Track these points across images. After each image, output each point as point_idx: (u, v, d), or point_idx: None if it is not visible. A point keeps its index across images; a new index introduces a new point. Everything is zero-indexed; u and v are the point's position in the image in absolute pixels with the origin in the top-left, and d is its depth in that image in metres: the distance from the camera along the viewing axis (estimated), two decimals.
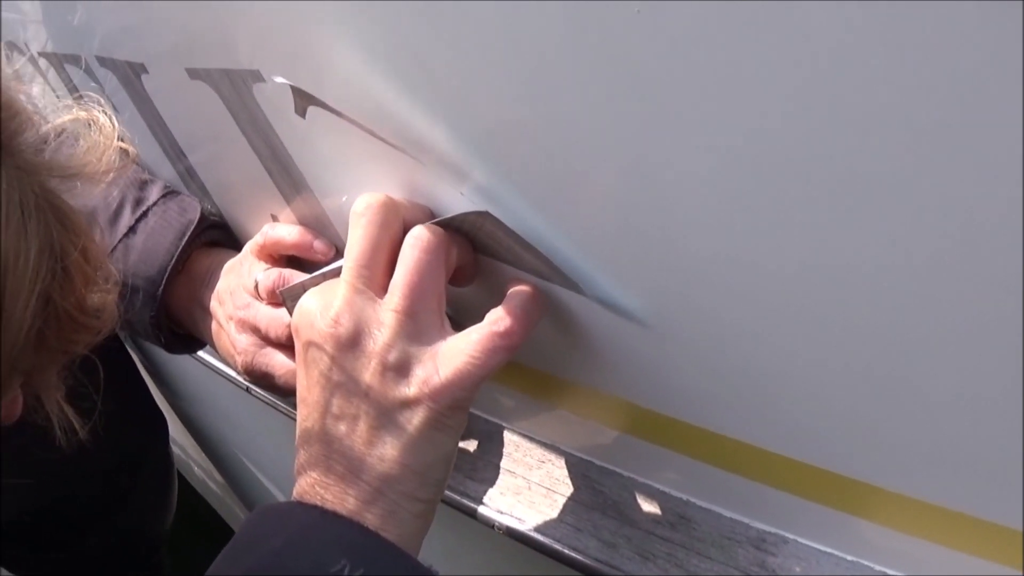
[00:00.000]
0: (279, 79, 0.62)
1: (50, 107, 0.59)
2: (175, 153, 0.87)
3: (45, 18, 0.91)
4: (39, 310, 0.53)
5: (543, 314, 0.61)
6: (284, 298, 0.70)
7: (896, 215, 0.42)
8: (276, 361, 0.78)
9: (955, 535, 0.55)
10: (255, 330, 0.79)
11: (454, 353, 0.58)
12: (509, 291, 0.61)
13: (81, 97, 0.62)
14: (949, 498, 0.54)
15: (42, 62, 0.97)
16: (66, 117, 0.59)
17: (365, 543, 0.58)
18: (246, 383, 0.97)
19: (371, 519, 0.59)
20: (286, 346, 0.77)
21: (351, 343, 0.59)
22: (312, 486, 0.61)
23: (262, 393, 0.96)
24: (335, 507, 0.60)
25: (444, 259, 0.60)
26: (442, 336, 0.60)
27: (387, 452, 0.59)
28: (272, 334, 0.78)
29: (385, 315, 0.59)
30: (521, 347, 0.59)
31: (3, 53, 0.61)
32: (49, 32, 0.91)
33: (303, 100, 0.62)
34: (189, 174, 0.88)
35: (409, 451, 0.59)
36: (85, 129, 0.60)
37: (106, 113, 0.61)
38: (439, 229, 0.60)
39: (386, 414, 0.59)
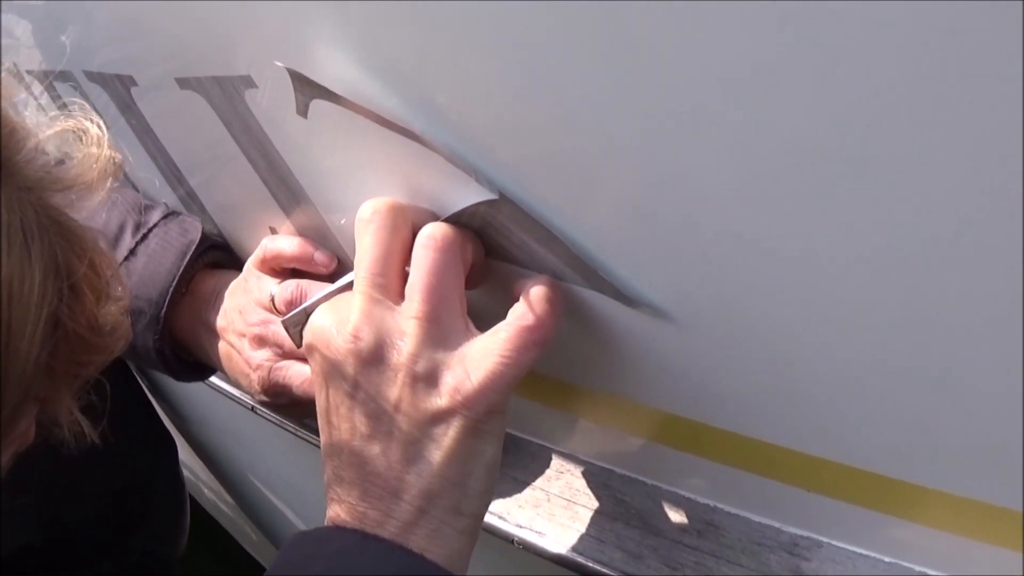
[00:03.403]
0: (280, 64, 0.60)
1: (39, 120, 0.57)
2: (173, 174, 0.85)
3: (32, 36, 0.90)
4: (48, 335, 0.51)
5: (564, 308, 0.58)
6: (287, 327, 0.68)
7: (935, 197, 0.40)
8: (293, 372, 0.76)
9: (997, 531, 0.53)
10: (273, 344, 0.77)
11: (483, 355, 0.56)
12: (527, 286, 0.58)
13: (66, 106, 0.61)
14: (990, 493, 0.52)
15: (28, 79, 0.95)
16: (56, 128, 0.57)
17: (410, 566, 0.56)
18: (251, 403, 0.95)
19: (415, 540, 0.57)
20: (304, 357, 0.75)
21: (374, 358, 0.57)
22: (349, 511, 0.58)
23: (268, 413, 0.94)
24: (376, 530, 0.57)
25: (460, 256, 0.58)
26: (468, 338, 0.57)
27: (425, 468, 0.57)
28: (288, 346, 0.75)
29: (406, 323, 0.57)
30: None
31: None
32: (37, 50, 0.90)
33: (306, 95, 0.60)
34: (190, 197, 0.87)
35: (448, 464, 0.57)
36: (76, 139, 0.58)
37: (93, 120, 0.59)
38: (451, 226, 0.58)
39: (420, 428, 0.57)
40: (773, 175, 0.44)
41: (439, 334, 0.57)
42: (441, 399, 0.56)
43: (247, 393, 0.82)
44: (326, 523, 0.60)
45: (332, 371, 0.58)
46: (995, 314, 0.43)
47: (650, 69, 0.43)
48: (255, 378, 0.78)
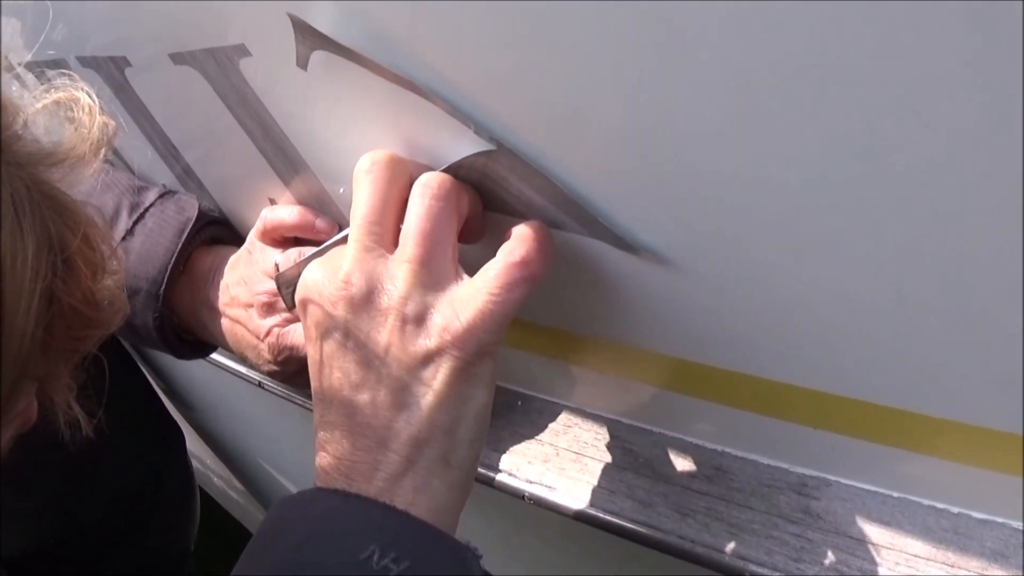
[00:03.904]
0: (286, 12, 0.60)
1: (27, 94, 0.57)
2: (170, 152, 0.85)
3: (24, 26, 0.90)
4: (43, 310, 0.51)
5: (559, 249, 0.58)
6: (280, 286, 0.68)
7: (939, 118, 0.40)
8: (300, 332, 0.77)
9: (1006, 458, 0.53)
10: (281, 310, 0.78)
11: (472, 294, 0.55)
12: (517, 226, 0.58)
13: (53, 79, 0.61)
14: (997, 419, 0.52)
15: (21, 71, 0.95)
16: (47, 100, 0.57)
17: (395, 524, 0.55)
18: (258, 378, 0.96)
19: (402, 494, 0.56)
20: None
21: (364, 303, 0.56)
22: (336, 467, 0.57)
23: (276, 387, 0.95)
24: (361, 488, 0.56)
25: (455, 205, 0.57)
26: (458, 281, 0.57)
27: (414, 414, 0.56)
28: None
29: (398, 268, 0.56)
30: (540, 298, 0.56)
31: None
32: (28, 39, 0.90)
33: (307, 45, 0.60)
34: (187, 174, 0.87)
35: (438, 409, 0.56)
36: (67, 110, 0.58)
37: (83, 90, 0.59)
38: (447, 175, 0.58)
39: (409, 372, 0.56)
40: (767, 108, 0.43)
41: (430, 278, 0.56)
42: (430, 340, 0.55)
43: (254, 368, 0.83)
44: (315, 484, 0.59)
45: (323, 321, 0.58)
46: (998, 241, 0.43)
47: (643, 11, 0.43)
48: (264, 346, 0.78)
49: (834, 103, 0.41)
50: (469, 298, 0.55)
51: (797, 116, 0.43)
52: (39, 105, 0.56)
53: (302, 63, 0.60)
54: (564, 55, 0.47)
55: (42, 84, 0.58)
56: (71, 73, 0.59)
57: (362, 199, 0.59)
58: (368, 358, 0.57)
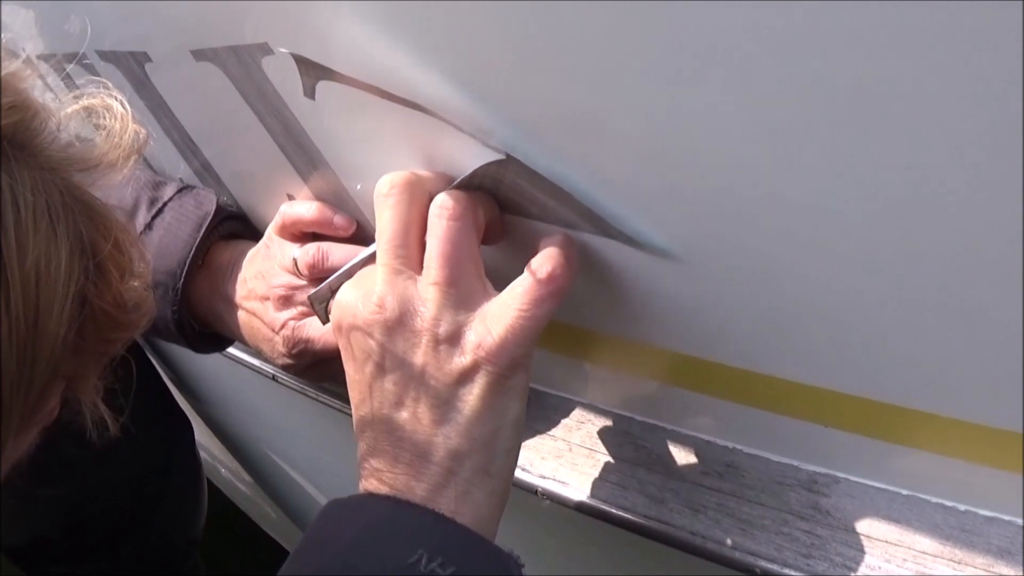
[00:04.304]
0: (283, 50, 0.61)
1: (61, 99, 0.58)
2: (188, 147, 0.86)
3: (43, 20, 0.90)
4: (76, 313, 0.52)
5: (579, 259, 0.59)
6: (312, 303, 0.69)
7: (939, 128, 0.40)
8: (314, 326, 0.78)
9: (1014, 457, 0.54)
10: (298, 303, 0.79)
11: (502, 310, 0.57)
12: (541, 241, 0.59)
13: (86, 85, 0.61)
14: (1007, 420, 0.52)
15: (42, 66, 0.96)
16: (78, 105, 0.58)
17: (441, 530, 0.57)
18: (272, 371, 0.96)
19: (445, 503, 0.58)
20: None
21: (398, 325, 0.58)
22: (380, 477, 0.59)
23: (289, 381, 0.95)
24: (406, 495, 0.58)
25: (473, 222, 0.59)
26: (487, 298, 0.59)
27: (452, 428, 0.58)
28: None
29: (427, 290, 0.58)
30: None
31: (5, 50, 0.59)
32: (47, 33, 0.90)
33: (311, 77, 0.61)
34: (205, 169, 0.87)
35: (475, 422, 0.58)
36: (99, 116, 0.58)
37: (117, 98, 0.60)
38: (462, 193, 0.59)
39: (447, 389, 0.58)
40: (775, 110, 0.44)
41: (458, 297, 0.58)
42: (465, 357, 0.57)
43: (269, 361, 0.83)
44: (360, 491, 0.60)
45: (360, 343, 0.60)
46: (1003, 238, 0.43)
47: (649, 16, 0.43)
48: (279, 340, 0.79)
49: (842, 105, 0.42)
50: (500, 314, 0.57)
51: (804, 118, 0.44)
52: (70, 110, 0.57)
53: (308, 93, 0.62)
54: (574, 60, 0.48)
55: (75, 89, 0.59)
56: (105, 80, 0.60)
57: (385, 223, 0.60)
58: (406, 378, 0.58)
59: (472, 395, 0.58)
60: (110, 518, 1.27)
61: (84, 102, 0.59)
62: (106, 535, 1.29)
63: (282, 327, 0.79)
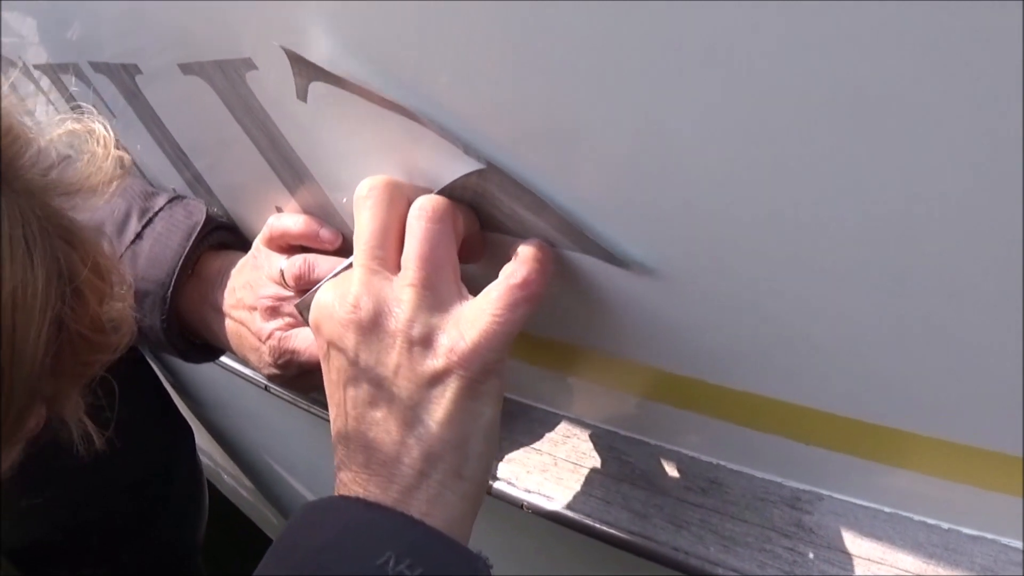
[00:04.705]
0: (278, 44, 0.61)
1: (45, 122, 0.58)
2: (179, 158, 0.86)
3: (38, 31, 0.91)
4: (52, 337, 0.52)
5: (554, 265, 0.59)
6: (300, 311, 0.69)
7: (925, 146, 0.40)
8: (301, 337, 0.78)
9: (995, 477, 0.53)
10: (285, 314, 0.79)
11: (476, 315, 0.57)
12: (516, 247, 0.59)
13: (74, 109, 0.62)
14: (987, 439, 0.52)
15: (37, 74, 0.96)
16: (61, 130, 0.58)
17: (411, 532, 0.57)
18: (264, 382, 0.96)
19: (416, 505, 0.58)
20: None
21: (373, 325, 0.58)
22: (354, 479, 0.59)
23: (281, 392, 0.96)
24: (378, 498, 0.58)
25: (453, 226, 0.59)
26: (462, 302, 0.58)
27: (424, 431, 0.58)
28: (299, 319, 0.77)
29: (402, 291, 0.58)
30: (537, 312, 0.57)
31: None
32: (43, 43, 0.91)
33: (304, 77, 0.61)
34: (197, 180, 0.88)
35: (447, 425, 0.58)
36: (82, 141, 0.59)
37: (101, 123, 0.60)
38: (442, 197, 0.59)
39: (419, 391, 0.58)
40: (759, 126, 0.44)
41: (434, 299, 0.58)
42: (437, 360, 0.57)
43: (256, 370, 0.84)
44: (335, 493, 0.61)
45: (335, 343, 0.60)
46: (988, 258, 0.43)
47: (629, 33, 0.43)
48: (266, 349, 0.79)
49: (826, 121, 0.42)
50: (474, 319, 0.57)
51: (787, 134, 0.43)
52: (57, 132, 0.57)
53: (301, 95, 0.62)
54: (554, 74, 0.48)
55: (64, 98, 0.59)
56: (89, 107, 0.60)
57: (363, 224, 0.60)
58: (379, 378, 0.58)
59: (444, 399, 0.57)
60: (110, 523, 1.28)
61: (68, 126, 0.59)
62: (106, 540, 1.29)
63: (268, 337, 0.79)
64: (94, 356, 0.57)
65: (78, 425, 0.62)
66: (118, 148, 0.60)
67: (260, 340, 0.80)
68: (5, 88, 0.55)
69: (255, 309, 0.80)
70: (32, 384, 0.51)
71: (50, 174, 0.54)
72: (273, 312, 0.80)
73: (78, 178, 0.56)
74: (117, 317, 0.58)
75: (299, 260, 0.78)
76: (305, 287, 0.77)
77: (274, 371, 0.80)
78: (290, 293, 0.79)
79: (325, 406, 0.84)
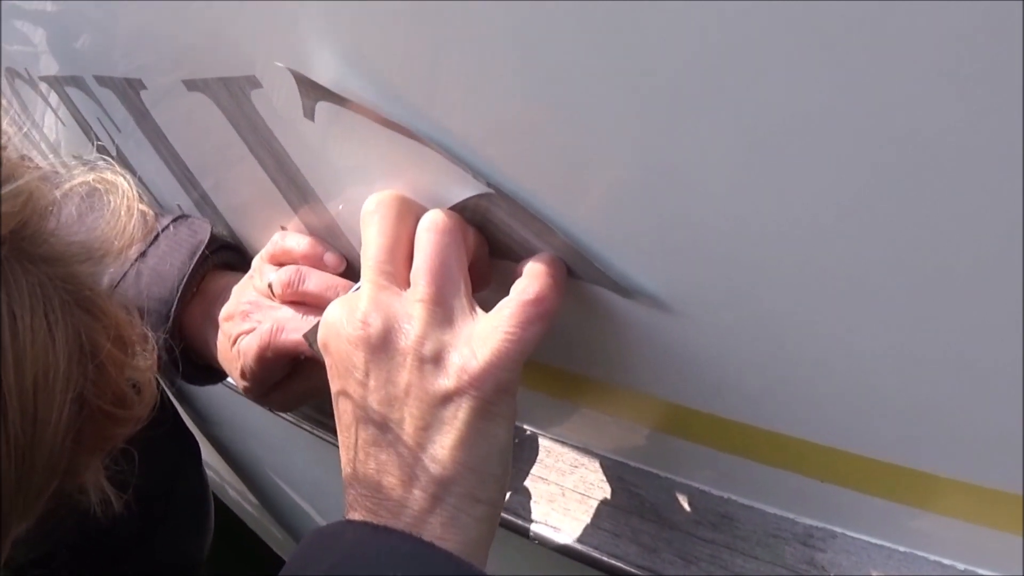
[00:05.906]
0: (280, 65, 0.60)
1: (64, 174, 0.55)
2: (186, 177, 0.85)
3: (44, 43, 0.90)
4: (74, 416, 0.50)
5: (566, 282, 0.58)
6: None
7: (938, 181, 0.40)
8: (254, 339, 0.75)
9: (1011, 519, 0.52)
10: (255, 320, 0.77)
11: (488, 333, 0.55)
12: (528, 263, 0.57)
13: (92, 160, 0.60)
14: (1004, 481, 0.51)
15: (43, 86, 0.96)
16: (78, 180, 0.55)
17: (420, 555, 0.55)
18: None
19: (430, 529, 0.56)
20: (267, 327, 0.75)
21: (383, 343, 0.56)
22: (365, 503, 0.58)
23: (287, 416, 0.95)
24: (388, 521, 0.56)
25: (463, 240, 0.58)
26: (474, 318, 0.57)
27: (438, 452, 0.56)
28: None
29: (412, 307, 0.56)
30: (546, 343, 0.56)
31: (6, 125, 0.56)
32: (50, 55, 0.91)
33: (311, 97, 0.60)
34: (203, 199, 0.87)
35: (461, 448, 0.55)
36: (102, 195, 0.57)
37: (122, 175, 0.58)
38: (452, 212, 0.58)
39: (431, 412, 0.56)
40: (769, 159, 0.43)
41: (444, 316, 0.56)
42: (448, 380, 0.55)
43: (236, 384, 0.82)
44: (344, 515, 0.59)
45: (344, 362, 0.58)
46: (1003, 298, 0.42)
47: (638, 60, 0.43)
48: (236, 356, 0.77)
49: (830, 159, 0.41)
50: (486, 337, 0.55)
51: (795, 169, 0.43)
52: (73, 184, 0.55)
53: (308, 114, 0.60)
54: (564, 101, 0.47)
55: (80, 167, 0.57)
56: (110, 160, 0.58)
57: (371, 239, 0.59)
58: (389, 399, 0.57)
59: (457, 419, 0.55)
60: (114, 535, 1.27)
61: (89, 177, 0.57)
62: (110, 553, 1.28)
63: (234, 342, 0.77)
64: (116, 430, 0.55)
65: (96, 490, 0.60)
66: (141, 203, 0.58)
67: (231, 346, 0.78)
68: (15, 138, 0.53)
69: (233, 317, 0.79)
70: (52, 465, 0.50)
71: (71, 240, 0.52)
72: (245, 317, 0.77)
73: (101, 244, 0.54)
74: (140, 380, 0.56)
75: (290, 269, 0.76)
76: (292, 297, 0.75)
77: (244, 383, 0.78)
78: (271, 302, 0.77)
79: (327, 427, 0.83)
